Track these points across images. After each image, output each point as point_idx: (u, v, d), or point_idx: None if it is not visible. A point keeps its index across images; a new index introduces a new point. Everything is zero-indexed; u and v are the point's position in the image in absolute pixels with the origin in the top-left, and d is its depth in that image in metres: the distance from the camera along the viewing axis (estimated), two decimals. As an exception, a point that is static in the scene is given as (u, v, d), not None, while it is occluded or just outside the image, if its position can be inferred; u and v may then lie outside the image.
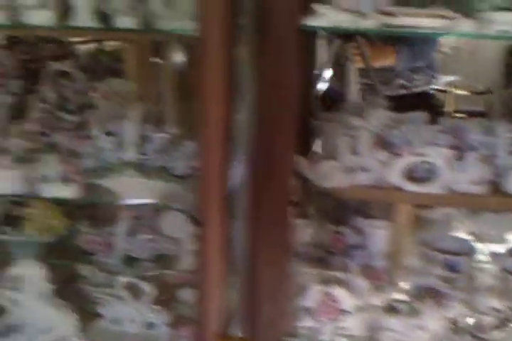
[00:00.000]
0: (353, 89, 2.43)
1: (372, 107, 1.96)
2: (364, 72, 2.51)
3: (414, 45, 2.62)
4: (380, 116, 1.85)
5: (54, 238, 2.08)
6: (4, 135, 1.83)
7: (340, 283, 1.73)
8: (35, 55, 2.08)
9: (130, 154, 1.72)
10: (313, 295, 1.71)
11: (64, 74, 2.00)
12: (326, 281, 1.76)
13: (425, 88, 2.76)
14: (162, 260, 2.03)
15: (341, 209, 1.92)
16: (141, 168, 1.73)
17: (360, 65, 2.49)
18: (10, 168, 1.75)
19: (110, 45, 2.20)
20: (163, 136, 1.73)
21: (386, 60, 2.66)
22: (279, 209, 1.57)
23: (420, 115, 1.76)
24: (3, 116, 1.96)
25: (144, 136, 1.74)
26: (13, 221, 2.05)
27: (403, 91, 2.72)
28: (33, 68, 2.03)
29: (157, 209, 1.85)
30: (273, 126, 1.53)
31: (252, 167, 1.56)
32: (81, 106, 1.96)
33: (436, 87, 3.03)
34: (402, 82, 2.73)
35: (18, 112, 2.00)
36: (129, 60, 1.91)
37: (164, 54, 1.91)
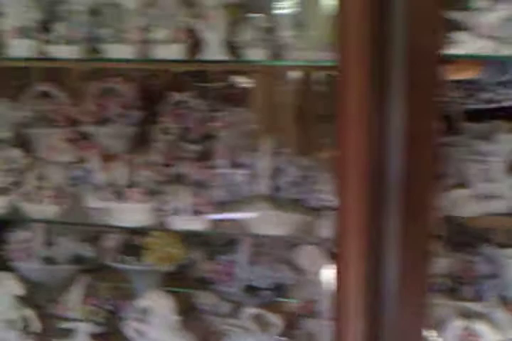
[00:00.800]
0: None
1: (496, 129, 1.90)
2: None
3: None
4: (509, 140, 1.79)
5: (174, 267, 2.07)
6: (131, 167, 1.83)
7: (480, 316, 1.67)
8: (156, 85, 2.08)
9: (262, 187, 1.70)
10: (452, 330, 1.65)
11: (185, 103, 1.99)
12: (463, 314, 1.70)
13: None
14: (282, 289, 2.00)
15: (473, 238, 1.86)
16: (274, 201, 1.70)
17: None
18: (141, 200, 1.75)
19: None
20: (296, 167, 1.70)
21: (470, 73, 2.58)
22: (422, 242, 1.52)
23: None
24: (127, 148, 1.97)
25: (276, 167, 1.71)
26: (133, 250, 2.05)
27: (490, 105, 2.63)
28: (154, 99, 2.03)
29: (290, 242, 1.83)
30: (416, 160, 1.49)
31: (393, 201, 1.53)
32: (204, 136, 1.95)
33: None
34: (488, 95, 2.65)
35: (140, 143, 2.01)
36: (256, 89, 1.89)
37: (293, 84, 1.89)
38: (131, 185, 1.78)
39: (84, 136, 2.00)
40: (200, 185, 1.79)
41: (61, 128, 2.03)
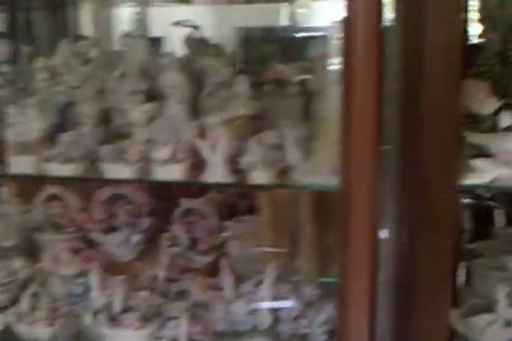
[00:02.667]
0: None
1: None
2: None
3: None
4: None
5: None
6: (130, 287, 1.75)
7: None
8: (167, 192, 2.01)
9: (263, 319, 1.59)
10: None
11: (195, 211, 1.91)
12: None
13: None
14: None
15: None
16: (274, 335, 1.59)
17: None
18: (136, 327, 1.66)
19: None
20: (299, 298, 1.58)
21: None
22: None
23: None
24: (134, 257, 1.90)
25: (278, 297, 1.60)
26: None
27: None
28: (164, 206, 1.96)
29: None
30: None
31: None
32: (213, 247, 1.86)
33: None
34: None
35: (147, 251, 1.93)
36: (264, 206, 1.80)
37: (301, 205, 1.79)
38: (127, 309, 1.68)
39: (91, 244, 1.93)
40: (201, 307, 1.68)
41: (68, 234, 1.96)
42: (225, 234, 1.86)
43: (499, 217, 2.04)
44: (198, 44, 2.18)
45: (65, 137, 1.74)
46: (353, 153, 1.40)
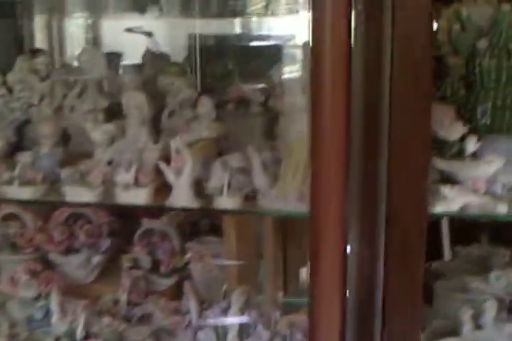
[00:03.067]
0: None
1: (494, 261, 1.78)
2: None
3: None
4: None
5: None
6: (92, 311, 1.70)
7: None
8: (127, 212, 1.96)
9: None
10: None
11: (156, 232, 1.88)
12: None
13: None
14: None
15: None
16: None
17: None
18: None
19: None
20: (266, 324, 1.57)
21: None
22: None
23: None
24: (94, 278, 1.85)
25: (247, 326, 1.58)
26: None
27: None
28: (125, 226, 1.92)
29: None
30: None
31: None
32: (175, 269, 1.83)
33: None
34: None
35: (108, 273, 1.89)
36: (228, 228, 1.77)
37: (267, 231, 1.77)
38: (89, 335, 1.64)
39: (49, 266, 1.88)
40: (165, 331, 1.65)
41: (26, 255, 1.91)
42: (187, 256, 1.83)
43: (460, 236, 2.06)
44: (157, 59, 2.15)
45: (23, 157, 1.69)
46: (321, 177, 1.38)
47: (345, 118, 1.37)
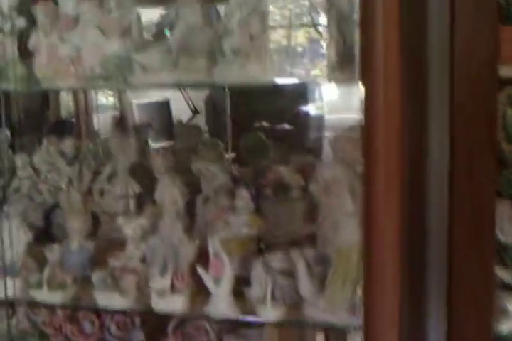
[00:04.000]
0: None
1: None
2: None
3: None
4: None
5: None
6: None
7: None
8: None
9: None
10: None
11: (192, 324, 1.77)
12: None
13: None
14: None
15: None
16: None
17: None
18: None
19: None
20: None
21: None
22: None
23: None
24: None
25: None
26: None
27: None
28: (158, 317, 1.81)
29: None
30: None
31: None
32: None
33: None
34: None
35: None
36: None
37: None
38: None
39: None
40: None
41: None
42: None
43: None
44: (189, 131, 2.06)
45: (52, 255, 1.60)
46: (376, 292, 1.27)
47: (398, 224, 1.27)
